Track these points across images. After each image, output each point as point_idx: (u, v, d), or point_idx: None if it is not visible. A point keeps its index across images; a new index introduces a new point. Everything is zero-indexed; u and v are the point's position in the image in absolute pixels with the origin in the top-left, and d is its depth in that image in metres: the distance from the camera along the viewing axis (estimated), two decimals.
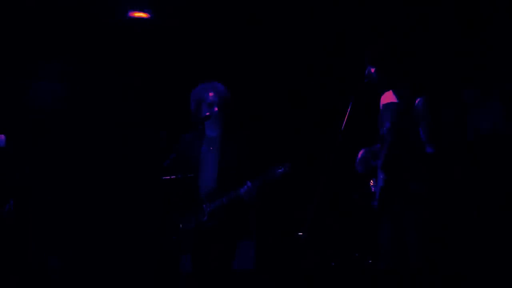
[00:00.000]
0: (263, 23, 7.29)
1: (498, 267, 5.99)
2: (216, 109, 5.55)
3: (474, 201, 6.74)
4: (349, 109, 4.66)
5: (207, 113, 5.54)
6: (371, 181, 4.79)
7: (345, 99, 4.72)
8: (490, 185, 6.79)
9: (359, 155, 4.86)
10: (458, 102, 7.55)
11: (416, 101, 4.64)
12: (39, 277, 7.18)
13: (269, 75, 7.89)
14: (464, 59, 7.25)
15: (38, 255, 7.22)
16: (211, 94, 5.58)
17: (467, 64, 7.29)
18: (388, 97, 4.91)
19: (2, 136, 6.34)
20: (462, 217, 6.60)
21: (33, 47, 7.50)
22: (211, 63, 7.55)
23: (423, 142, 4.61)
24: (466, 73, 7.36)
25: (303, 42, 7.54)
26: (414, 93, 4.64)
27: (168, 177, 5.61)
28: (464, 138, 7.49)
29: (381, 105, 4.95)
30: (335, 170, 4.59)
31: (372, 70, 4.78)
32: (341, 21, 7.16)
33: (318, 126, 7.46)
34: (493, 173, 6.94)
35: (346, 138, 4.66)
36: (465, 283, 4.25)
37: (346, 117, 4.64)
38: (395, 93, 4.83)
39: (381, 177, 4.67)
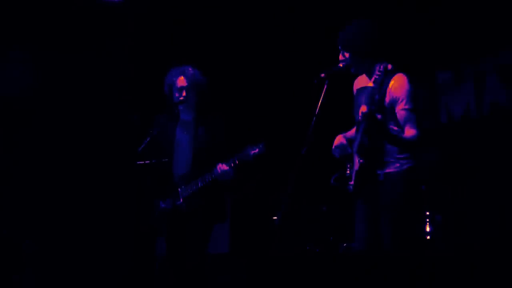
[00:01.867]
0: (236, 8, 7.28)
1: (470, 250, 6.04)
2: (185, 93, 5.56)
3: (446, 183, 6.80)
4: (323, 93, 4.66)
5: (180, 98, 5.54)
6: (348, 165, 4.80)
7: (320, 83, 4.71)
8: (462, 167, 6.84)
9: (336, 140, 4.87)
10: (431, 84, 7.60)
11: (390, 84, 4.64)
12: (14, 262, 7.14)
13: (243, 57, 7.88)
14: (437, 41, 7.29)
15: (12, 240, 7.18)
16: (181, 78, 5.59)
17: (440, 46, 7.32)
18: (362, 82, 4.91)
19: None
20: (436, 200, 6.66)
21: (3, 31, 7.42)
22: (186, 46, 7.53)
23: (400, 126, 4.62)
24: (439, 55, 7.40)
25: (276, 23, 7.54)
26: (388, 76, 4.63)
27: (143, 162, 5.61)
28: (437, 121, 7.55)
29: (354, 90, 4.96)
30: (310, 154, 4.60)
31: (347, 54, 4.78)
32: (315, 4, 7.17)
33: (293, 109, 7.46)
34: (465, 155, 7.00)
35: (320, 122, 4.66)
36: (438, 266, 4.28)
37: (320, 101, 4.63)
38: (368, 77, 4.83)
39: (356, 161, 4.68)
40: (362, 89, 4.84)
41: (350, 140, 4.81)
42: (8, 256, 7.08)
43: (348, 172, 4.81)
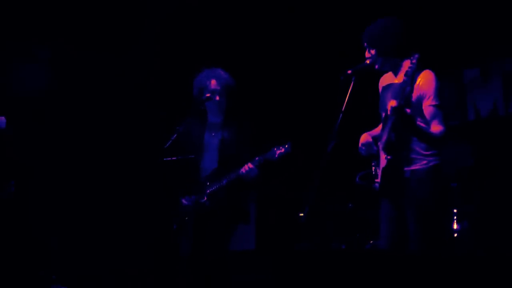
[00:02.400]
0: (263, 10, 7.29)
1: (498, 252, 6.00)
2: (217, 97, 5.57)
3: (474, 181, 6.76)
4: (349, 91, 4.64)
5: (210, 100, 5.55)
6: (373, 163, 4.79)
7: (346, 81, 4.70)
8: (490, 166, 6.80)
9: (361, 138, 4.85)
10: (458, 82, 7.56)
11: (418, 79, 4.62)
12: (40, 258, 7.20)
13: (269, 57, 7.88)
14: (465, 39, 7.24)
15: (38, 236, 7.24)
16: (213, 81, 5.60)
17: (467, 43, 7.28)
18: (387, 79, 4.89)
19: (3, 118, 6.32)
20: (464, 198, 6.62)
21: (24, 30, 7.47)
22: (213, 48, 7.54)
23: (426, 122, 4.59)
24: (467, 52, 7.36)
25: (302, 25, 7.53)
26: (414, 72, 4.61)
27: (169, 159, 5.63)
28: (464, 118, 7.51)
29: (380, 87, 4.94)
30: (336, 152, 4.59)
31: (373, 51, 4.76)
32: (341, 2, 7.15)
33: (319, 106, 7.45)
34: (492, 152, 6.95)
35: (347, 119, 4.66)
36: (465, 267, 4.25)
37: (346, 99, 4.62)
38: (395, 74, 4.81)
39: (383, 158, 4.66)
40: (389, 86, 4.82)
41: (375, 138, 4.79)
42: (35, 253, 7.14)
43: (373, 170, 4.79)
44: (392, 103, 4.45)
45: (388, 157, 4.61)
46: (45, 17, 7.35)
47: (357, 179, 4.90)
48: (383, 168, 4.64)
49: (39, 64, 7.64)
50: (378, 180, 4.70)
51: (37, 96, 7.58)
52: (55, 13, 7.32)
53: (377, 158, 4.74)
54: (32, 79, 7.57)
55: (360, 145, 4.82)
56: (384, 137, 4.64)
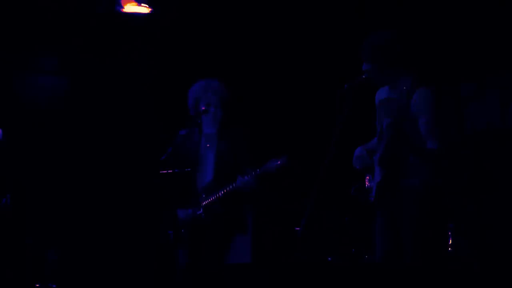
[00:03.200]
0: (259, 19, 7.29)
1: (496, 266, 5.99)
2: (213, 109, 5.57)
3: (472, 197, 6.75)
4: (346, 105, 4.64)
5: (205, 111, 5.55)
6: (367, 177, 4.79)
7: (343, 95, 4.70)
8: (488, 180, 6.79)
9: (356, 152, 4.85)
10: (455, 96, 7.56)
11: (414, 96, 4.62)
12: (36, 271, 7.18)
13: (265, 70, 7.88)
14: (462, 54, 7.25)
15: (35, 249, 7.22)
16: (208, 92, 5.59)
17: (464, 58, 7.28)
18: (384, 92, 4.89)
19: None
20: (459, 214, 6.61)
21: (31, 40, 7.49)
22: (208, 59, 7.54)
23: (422, 137, 4.59)
24: (463, 67, 7.36)
25: (299, 36, 7.53)
26: (412, 87, 4.61)
27: (165, 171, 5.62)
28: (461, 133, 7.50)
29: (377, 101, 4.93)
30: (332, 165, 4.58)
31: (369, 65, 4.75)
32: (337, 16, 7.16)
33: (316, 121, 7.45)
34: (490, 168, 6.94)
35: (344, 133, 4.65)
36: (461, 280, 4.24)
37: (343, 113, 4.61)
38: (391, 88, 4.80)
39: (378, 172, 4.66)
40: (385, 100, 4.82)
41: (370, 151, 4.79)
42: (32, 265, 7.13)
43: (367, 184, 4.80)
44: (387, 120, 4.46)
45: (384, 171, 4.61)
46: (48, 29, 7.38)
47: (352, 191, 4.89)
48: (378, 182, 4.65)
49: (37, 75, 7.67)
50: (373, 193, 4.70)
51: (35, 108, 7.60)
52: (56, 26, 7.36)
53: (372, 172, 4.74)
54: (30, 91, 7.59)
55: (354, 158, 4.83)
56: (380, 152, 4.64)
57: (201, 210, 5.48)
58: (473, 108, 7.44)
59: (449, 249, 6.39)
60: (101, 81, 7.92)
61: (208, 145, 5.64)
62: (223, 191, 5.41)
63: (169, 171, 5.60)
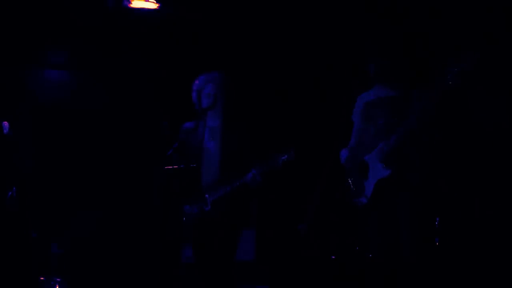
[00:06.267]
0: (265, 12, 7.30)
1: (494, 264, 5.99)
2: (215, 100, 5.58)
3: (472, 195, 6.74)
4: (350, 101, 4.67)
5: (208, 104, 5.56)
6: (349, 179, 4.83)
7: (348, 89, 4.73)
8: (490, 180, 6.78)
9: (343, 153, 4.91)
10: (460, 96, 7.55)
11: (417, 93, 4.66)
12: (41, 264, 7.20)
13: (271, 64, 7.88)
14: (465, 52, 7.23)
15: (39, 242, 7.25)
16: (211, 85, 5.60)
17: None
18: (378, 92, 4.91)
19: (6, 123, 6.35)
20: (459, 211, 6.61)
21: (40, 34, 7.52)
22: (213, 52, 7.56)
23: (426, 134, 4.63)
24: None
25: (305, 28, 7.53)
26: (411, 86, 4.67)
27: (171, 167, 5.63)
28: (466, 132, 7.50)
29: (368, 99, 4.94)
30: (337, 161, 4.61)
31: (373, 63, 4.78)
32: (345, 7, 7.16)
33: (321, 115, 7.45)
34: (494, 167, 6.94)
35: (349, 127, 4.70)
36: (460, 277, 4.28)
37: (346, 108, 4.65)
38: (388, 87, 4.84)
39: (380, 168, 4.68)
40: (381, 100, 4.85)
41: (361, 150, 4.83)
42: (37, 258, 7.15)
43: (351, 185, 4.82)
44: (381, 119, 4.46)
45: (388, 169, 4.64)
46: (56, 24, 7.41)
47: (336, 195, 4.94)
48: (379, 179, 4.67)
49: (44, 70, 7.70)
50: (366, 192, 4.72)
51: (41, 102, 7.63)
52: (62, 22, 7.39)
53: (362, 171, 4.76)
54: (36, 84, 7.62)
55: (344, 159, 4.87)
56: (383, 149, 4.66)
57: (209, 206, 5.47)
58: (478, 107, 7.44)
59: (447, 244, 6.39)
60: (109, 76, 7.94)
61: (212, 139, 5.64)
62: (231, 187, 5.40)
63: (174, 166, 5.61)
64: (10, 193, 6.44)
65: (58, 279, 7.05)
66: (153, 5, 7.18)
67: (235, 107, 5.67)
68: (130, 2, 7.07)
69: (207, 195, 5.48)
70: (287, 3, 7.13)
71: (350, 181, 4.83)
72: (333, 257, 7.12)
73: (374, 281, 4.74)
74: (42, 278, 7.01)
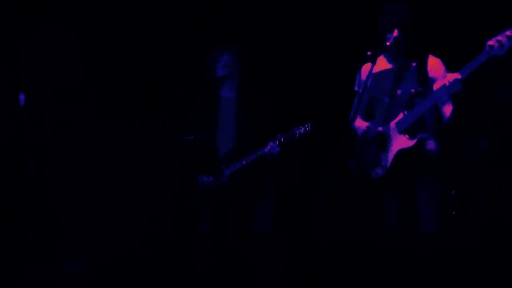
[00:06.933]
0: None
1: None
2: (229, 70, 5.57)
3: (493, 168, 6.72)
4: (369, 72, 4.61)
5: (223, 74, 5.55)
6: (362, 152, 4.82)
7: (366, 61, 4.69)
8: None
9: (361, 127, 4.88)
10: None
11: (427, 65, 4.63)
12: (57, 234, 7.25)
13: (286, 36, 7.84)
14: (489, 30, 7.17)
15: (56, 213, 7.29)
16: (226, 55, 5.59)
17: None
18: (380, 65, 4.86)
19: (22, 95, 6.35)
20: (479, 184, 6.58)
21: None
22: (228, 24, 7.52)
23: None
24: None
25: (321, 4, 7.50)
26: (422, 59, 4.65)
27: (187, 138, 5.63)
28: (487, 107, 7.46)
29: (363, 74, 4.90)
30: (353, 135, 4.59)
31: (395, 33, 4.71)
32: None
33: (338, 88, 7.41)
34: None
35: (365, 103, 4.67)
36: (478, 253, 4.26)
37: (366, 80, 4.60)
38: (395, 59, 4.80)
39: (401, 139, 4.64)
40: (390, 70, 4.82)
41: (374, 123, 4.81)
42: (52, 229, 7.19)
43: (368, 158, 4.80)
44: (453, 76, 4.39)
45: (411, 139, 4.61)
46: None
47: (351, 165, 4.91)
48: (400, 151, 4.64)
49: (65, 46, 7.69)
50: (384, 164, 4.69)
51: (60, 74, 7.63)
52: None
53: (381, 142, 4.73)
54: (56, 59, 7.62)
55: (364, 130, 4.83)
56: (405, 120, 4.63)
57: (226, 178, 5.47)
58: (498, 84, 7.39)
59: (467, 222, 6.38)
60: (124, 50, 7.91)
61: (228, 109, 5.63)
62: (247, 159, 5.41)
63: (190, 137, 5.62)
64: (26, 165, 6.46)
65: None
66: None
67: (251, 78, 5.66)
68: None
69: (223, 167, 5.49)
70: None
71: (362, 153, 4.81)
72: (350, 225, 7.12)
73: (390, 254, 4.73)
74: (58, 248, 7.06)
